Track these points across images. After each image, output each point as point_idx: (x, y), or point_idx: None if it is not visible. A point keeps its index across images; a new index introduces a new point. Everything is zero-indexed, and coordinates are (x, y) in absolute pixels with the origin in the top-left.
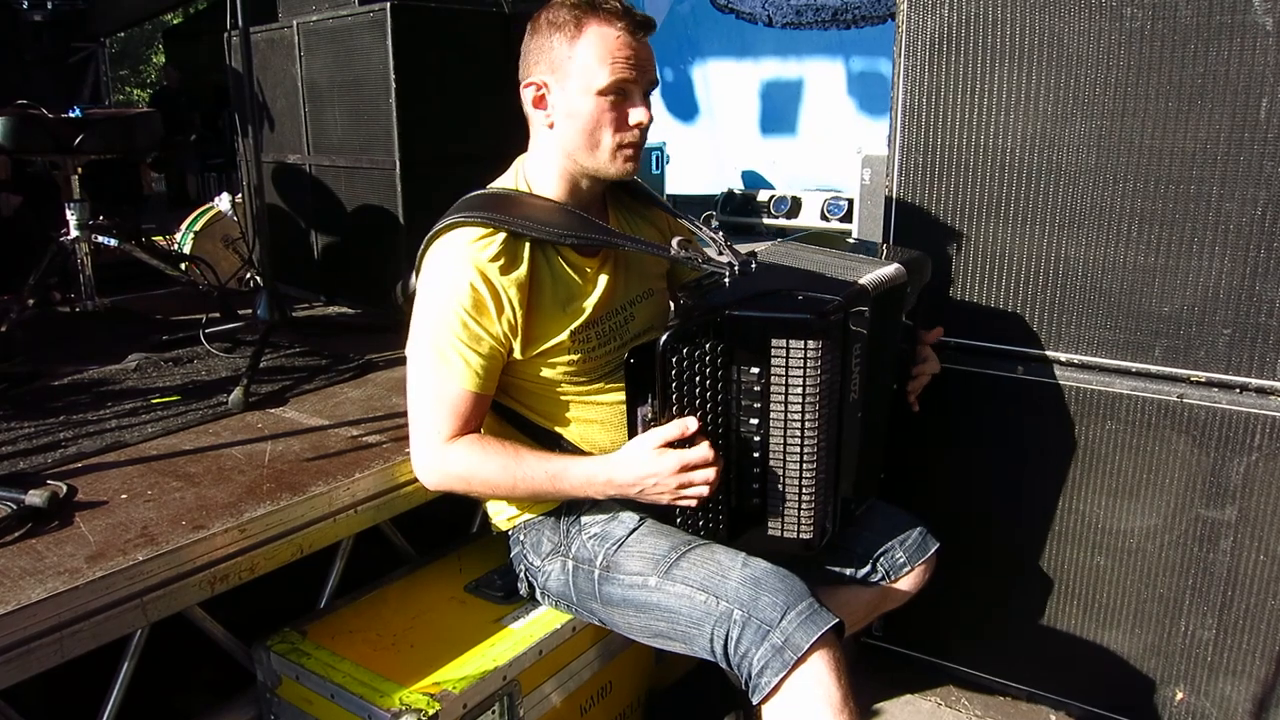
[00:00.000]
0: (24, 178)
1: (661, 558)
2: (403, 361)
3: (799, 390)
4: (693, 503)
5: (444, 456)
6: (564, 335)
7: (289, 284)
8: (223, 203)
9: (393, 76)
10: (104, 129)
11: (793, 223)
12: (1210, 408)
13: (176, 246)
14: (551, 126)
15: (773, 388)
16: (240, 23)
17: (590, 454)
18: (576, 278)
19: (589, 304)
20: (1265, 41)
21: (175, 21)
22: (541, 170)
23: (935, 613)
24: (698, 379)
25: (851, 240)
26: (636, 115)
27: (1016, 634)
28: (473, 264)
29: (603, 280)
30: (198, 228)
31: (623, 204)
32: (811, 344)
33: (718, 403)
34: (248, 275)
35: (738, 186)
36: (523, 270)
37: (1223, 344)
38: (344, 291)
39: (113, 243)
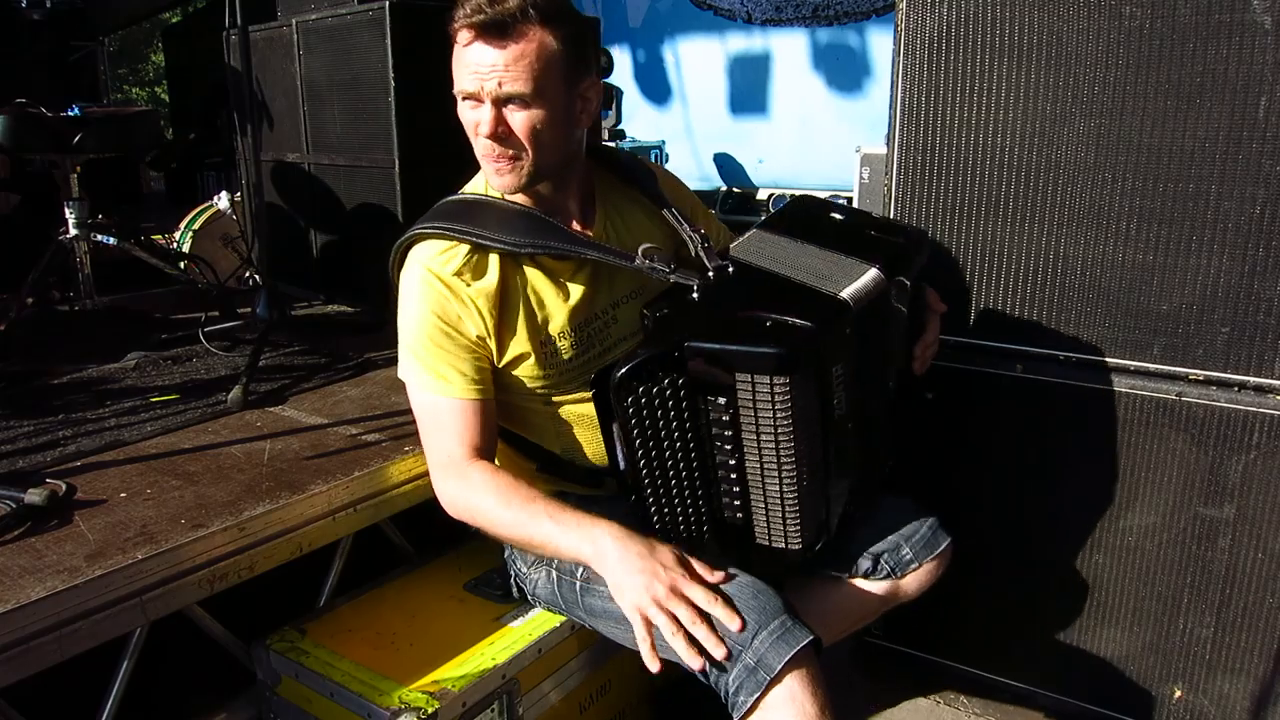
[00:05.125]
0: (23, 176)
1: None
2: None
3: (769, 422)
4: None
5: (461, 483)
6: (537, 344)
7: (288, 283)
8: (221, 201)
9: (391, 75)
10: (102, 128)
11: None
12: (1209, 406)
13: (175, 245)
14: None
15: (743, 418)
16: (239, 21)
17: (575, 461)
18: (550, 284)
19: (564, 311)
20: (1264, 40)
21: (174, 20)
22: None
23: (934, 611)
24: (659, 412)
25: (837, 215)
26: (477, 123)
27: (1015, 632)
28: (437, 277)
29: (578, 287)
30: (196, 226)
31: (616, 192)
32: (779, 380)
33: (685, 430)
34: (247, 274)
35: (717, 179)
36: (491, 281)
37: (1221, 342)
38: (343, 290)
39: (112, 241)
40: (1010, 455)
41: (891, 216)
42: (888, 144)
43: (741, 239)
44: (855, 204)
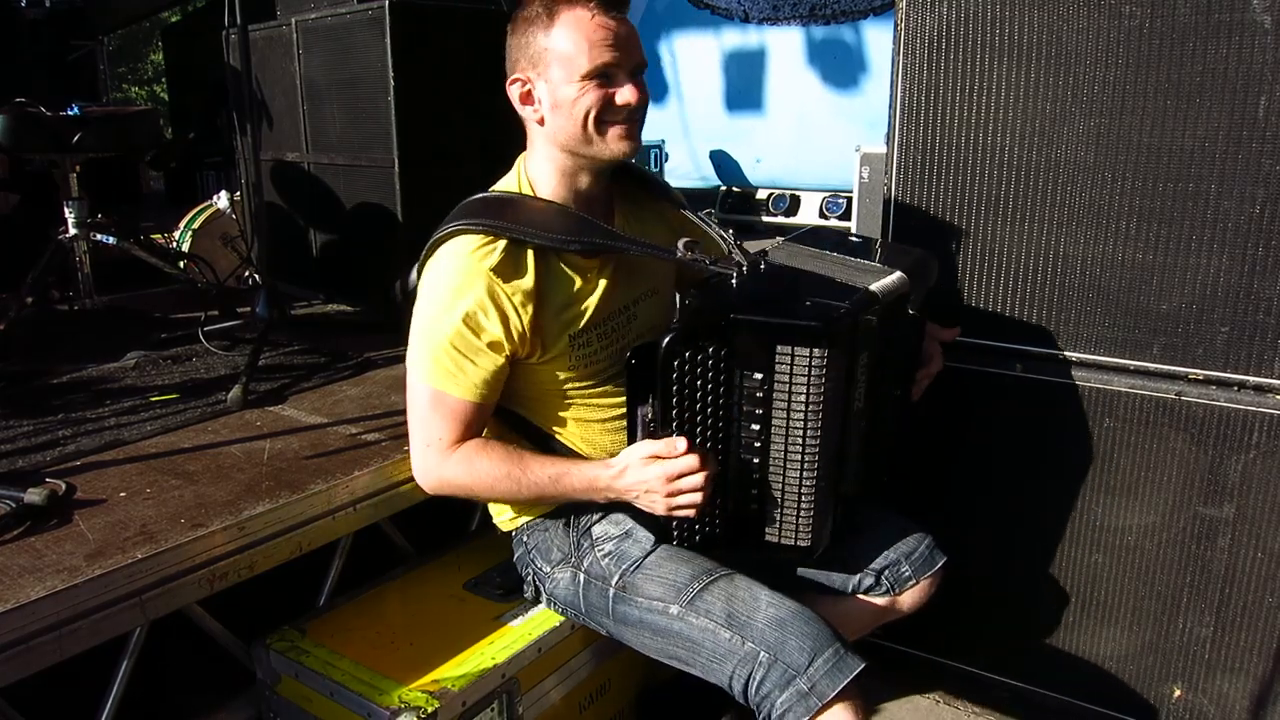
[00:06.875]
0: (22, 176)
1: (684, 586)
2: (401, 359)
3: (802, 398)
4: (689, 513)
5: (444, 464)
6: (565, 340)
7: (287, 282)
8: (221, 201)
9: (391, 74)
10: (102, 127)
11: (791, 220)
12: (1208, 405)
13: (175, 245)
14: (541, 122)
15: (776, 394)
16: (238, 21)
17: (591, 456)
18: (578, 280)
19: (589, 307)
20: (1263, 40)
21: (173, 19)
22: (540, 169)
23: (933, 611)
24: (699, 382)
25: (854, 237)
26: (623, 96)
27: (1014, 631)
28: (477, 273)
29: (603, 282)
30: (196, 226)
31: (631, 199)
32: (817, 352)
33: (718, 406)
34: (246, 273)
35: (715, 178)
36: (529, 279)
37: (1221, 342)
38: (342, 289)
39: (111, 241)
40: (1009, 454)
41: (891, 216)
42: (887, 143)
43: (768, 246)
44: (855, 203)
